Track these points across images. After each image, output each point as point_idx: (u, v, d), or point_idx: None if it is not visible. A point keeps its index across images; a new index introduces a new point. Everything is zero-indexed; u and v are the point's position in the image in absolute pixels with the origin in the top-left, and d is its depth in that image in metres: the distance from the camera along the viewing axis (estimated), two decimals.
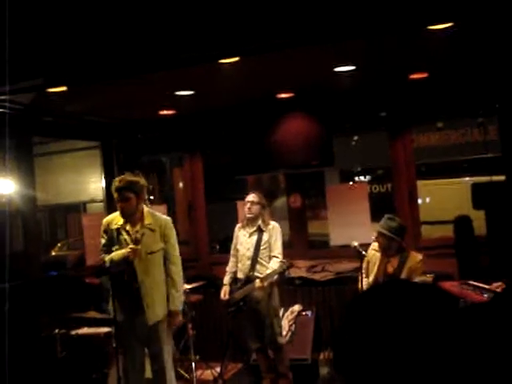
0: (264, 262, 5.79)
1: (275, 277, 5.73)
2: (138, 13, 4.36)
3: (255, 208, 5.83)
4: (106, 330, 5.59)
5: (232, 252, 6.11)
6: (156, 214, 4.99)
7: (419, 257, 5.25)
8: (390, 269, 5.24)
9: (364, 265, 5.36)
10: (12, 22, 4.52)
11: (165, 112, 6.89)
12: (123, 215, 4.81)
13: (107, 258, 4.82)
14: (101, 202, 8.59)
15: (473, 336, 1.20)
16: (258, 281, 5.64)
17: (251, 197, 5.87)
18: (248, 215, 5.87)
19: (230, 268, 6.09)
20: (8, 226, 5.81)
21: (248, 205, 5.85)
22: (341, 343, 1.22)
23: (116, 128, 7.51)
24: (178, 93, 5.95)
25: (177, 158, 9.45)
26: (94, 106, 6.44)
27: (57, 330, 5.61)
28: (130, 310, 4.81)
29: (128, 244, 4.77)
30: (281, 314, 6.54)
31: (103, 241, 4.92)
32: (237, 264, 6.00)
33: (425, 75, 6.08)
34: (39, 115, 6.42)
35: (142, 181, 4.87)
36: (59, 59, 4.74)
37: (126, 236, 4.82)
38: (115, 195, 4.77)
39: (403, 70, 5.94)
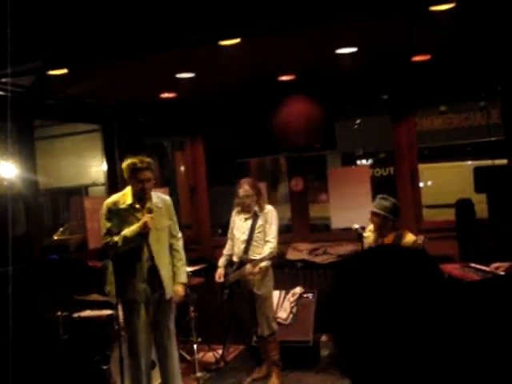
0: (259, 246, 5.79)
1: (263, 264, 5.68)
2: None
3: (250, 199, 5.82)
4: (108, 312, 5.62)
5: (229, 235, 6.13)
6: (158, 194, 5.19)
7: (414, 237, 5.33)
8: None
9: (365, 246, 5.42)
10: (12, 4, 4.50)
11: (166, 95, 6.86)
12: (143, 195, 4.91)
13: (117, 237, 4.83)
14: (102, 185, 8.61)
15: (467, 310, 1.21)
16: (248, 265, 5.65)
17: (247, 191, 5.82)
18: (246, 208, 5.86)
19: (226, 251, 6.13)
20: (10, 210, 5.82)
21: (248, 200, 5.81)
22: (331, 305, 1.23)
23: (117, 111, 7.49)
24: (178, 75, 5.92)
25: (178, 142, 9.42)
26: (95, 89, 6.41)
27: (59, 313, 5.65)
28: (141, 287, 4.90)
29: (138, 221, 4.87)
30: (282, 296, 6.57)
31: (108, 224, 4.92)
32: (233, 247, 6.01)
33: (428, 57, 6.04)
34: (40, 98, 6.40)
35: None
36: (60, 41, 4.72)
37: (137, 214, 4.90)
38: (137, 175, 4.84)
39: (406, 52, 5.90)
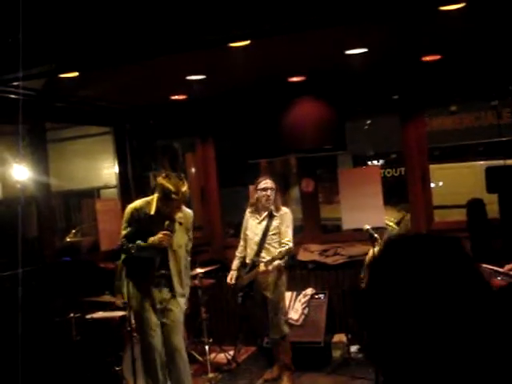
0: (272, 248, 5.77)
1: (277, 262, 5.66)
2: None
3: (273, 194, 5.80)
4: (120, 313, 5.65)
5: (242, 236, 6.12)
6: (183, 207, 5.17)
7: None
8: None
9: None
10: (24, 7, 4.53)
11: (176, 97, 6.89)
12: (167, 218, 4.92)
13: (132, 244, 4.87)
14: (114, 187, 8.65)
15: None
16: (261, 265, 5.63)
17: (268, 183, 5.81)
18: (266, 204, 5.81)
19: (239, 252, 6.11)
20: (23, 212, 5.86)
21: (268, 192, 5.78)
22: (365, 299, 1.23)
23: (128, 113, 7.53)
24: (189, 77, 5.95)
25: (189, 143, 9.45)
26: (106, 92, 6.46)
27: (72, 314, 5.67)
28: (154, 296, 4.97)
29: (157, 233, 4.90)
30: (294, 297, 6.58)
31: (128, 228, 4.97)
32: (245, 249, 6.00)
33: (438, 57, 6.02)
34: (52, 101, 6.45)
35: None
36: (71, 44, 4.75)
37: (158, 225, 4.91)
38: (169, 203, 4.86)
39: (416, 52, 5.89)
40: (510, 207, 5.93)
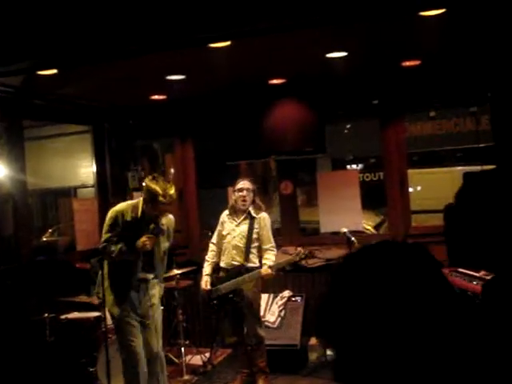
0: (253, 253, 5.70)
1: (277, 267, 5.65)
2: None
3: (250, 196, 5.67)
4: (95, 314, 5.60)
5: (215, 240, 5.91)
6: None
7: None
8: None
9: None
10: (1, 2, 4.49)
11: (156, 97, 6.86)
12: (155, 219, 4.87)
13: (114, 247, 4.81)
14: (92, 187, 8.58)
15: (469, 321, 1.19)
16: (266, 267, 5.51)
17: (245, 184, 5.67)
18: (242, 205, 5.67)
19: (210, 257, 5.89)
20: None
21: (244, 192, 5.63)
22: (327, 306, 1.20)
23: (107, 112, 7.47)
24: (169, 77, 5.92)
25: (168, 144, 9.42)
26: (85, 90, 6.41)
27: (46, 314, 5.61)
28: (133, 300, 4.91)
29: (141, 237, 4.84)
30: (271, 299, 6.57)
31: (110, 232, 4.87)
32: (219, 253, 5.83)
33: (417, 63, 6.07)
34: (30, 98, 6.38)
35: None
36: (49, 41, 4.70)
37: (142, 229, 4.85)
38: (158, 207, 4.77)
39: (395, 57, 5.92)
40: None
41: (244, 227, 5.68)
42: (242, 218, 5.72)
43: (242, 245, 5.67)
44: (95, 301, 5.59)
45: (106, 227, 4.94)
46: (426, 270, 1.17)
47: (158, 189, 4.71)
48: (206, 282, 5.76)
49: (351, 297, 1.14)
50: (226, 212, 5.88)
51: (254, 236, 5.65)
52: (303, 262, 6.28)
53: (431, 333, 1.10)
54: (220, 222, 5.93)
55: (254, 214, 5.69)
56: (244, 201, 5.66)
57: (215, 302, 5.70)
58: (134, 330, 4.89)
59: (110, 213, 4.96)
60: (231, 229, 5.75)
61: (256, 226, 5.65)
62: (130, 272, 4.89)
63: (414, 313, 1.10)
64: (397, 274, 1.14)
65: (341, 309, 1.15)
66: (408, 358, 1.10)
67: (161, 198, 4.71)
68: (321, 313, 1.20)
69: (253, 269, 5.61)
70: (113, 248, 4.80)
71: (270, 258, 5.61)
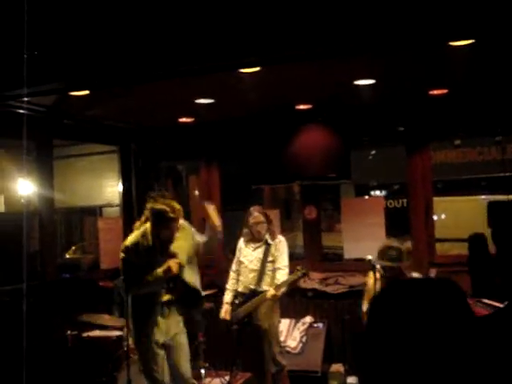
0: (269, 276, 5.73)
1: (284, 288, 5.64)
2: (161, 19, 4.41)
3: (264, 226, 5.79)
4: (117, 333, 5.62)
5: (234, 267, 5.98)
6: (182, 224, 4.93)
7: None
8: None
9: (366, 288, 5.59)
10: (36, 24, 4.59)
11: (184, 119, 6.94)
12: (168, 242, 4.70)
13: (139, 288, 4.65)
14: (117, 206, 8.65)
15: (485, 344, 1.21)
16: (271, 289, 5.57)
17: (257, 217, 5.78)
18: (258, 236, 5.80)
19: (230, 286, 5.96)
20: (26, 227, 5.87)
21: (257, 227, 5.76)
22: (364, 342, 1.23)
23: (135, 133, 7.57)
24: (197, 101, 5.99)
25: (193, 166, 9.49)
26: (114, 111, 6.51)
27: (69, 332, 5.65)
28: (160, 326, 4.80)
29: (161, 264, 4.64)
30: (292, 324, 6.54)
31: (126, 269, 4.67)
32: (238, 281, 5.89)
33: (445, 91, 6.08)
34: (60, 118, 6.49)
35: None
36: (81, 63, 4.80)
37: (160, 257, 4.68)
38: (166, 225, 4.60)
39: (423, 86, 5.94)
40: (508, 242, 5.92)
41: (260, 251, 5.79)
42: (258, 244, 5.83)
43: (257, 268, 5.76)
44: (116, 322, 5.61)
45: (121, 265, 4.72)
46: (454, 307, 1.19)
47: (163, 207, 4.56)
48: (225, 312, 5.87)
49: (384, 330, 1.17)
50: (242, 239, 5.98)
51: (270, 259, 5.75)
52: (302, 282, 6.42)
53: (453, 365, 1.12)
54: (238, 249, 6.02)
55: (270, 241, 5.79)
56: (259, 234, 5.80)
57: (236, 327, 5.75)
58: (158, 358, 4.78)
59: (122, 249, 4.73)
60: (248, 254, 5.85)
61: (272, 250, 5.76)
62: (152, 298, 4.75)
63: (442, 351, 1.12)
64: (426, 310, 1.16)
65: (373, 342, 1.18)
66: None
67: (171, 215, 4.56)
68: (358, 342, 1.24)
69: (254, 292, 5.69)
70: (136, 287, 4.65)
71: (279, 278, 5.66)
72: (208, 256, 7.64)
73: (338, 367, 6.50)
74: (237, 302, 5.83)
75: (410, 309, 1.17)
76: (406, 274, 5.36)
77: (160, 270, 4.58)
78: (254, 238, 5.85)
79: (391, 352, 1.15)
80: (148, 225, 4.73)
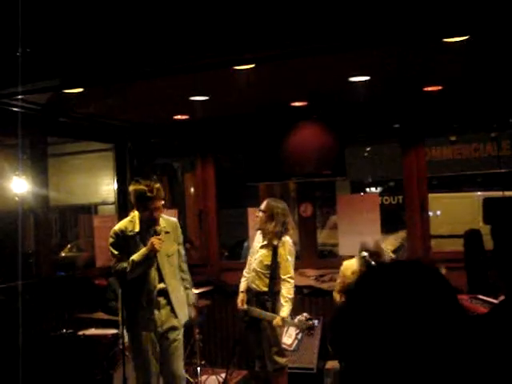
0: (264, 278, 5.67)
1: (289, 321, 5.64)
2: (154, 16, 4.40)
3: (264, 217, 5.65)
4: (113, 331, 5.61)
5: (249, 258, 5.97)
6: (166, 217, 5.08)
7: None
8: None
9: (339, 280, 5.68)
10: (29, 22, 4.57)
11: (179, 116, 6.93)
12: (153, 223, 4.82)
13: (126, 263, 4.75)
14: (112, 204, 8.63)
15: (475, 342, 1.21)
16: (278, 319, 5.52)
17: (262, 206, 5.71)
18: (256, 225, 5.79)
19: (246, 272, 5.94)
20: (20, 225, 5.86)
21: (259, 213, 5.70)
22: (341, 321, 1.23)
23: (130, 131, 7.56)
24: (192, 98, 5.99)
25: (188, 163, 9.49)
26: (108, 109, 6.49)
27: (64, 330, 5.64)
28: (152, 317, 4.84)
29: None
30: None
31: (116, 251, 4.82)
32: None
33: (439, 88, 6.08)
34: (55, 116, 6.47)
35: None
36: (76, 60, 4.78)
37: (146, 241, 4.79)
38: (146, 204, 4.74)
39: (418, 82, 5.95)
40: (504, 239, 5.92)
41: (263, 252, 5.69)
42: (265, 242, 5.72)
43: (259, 269, 5.70)
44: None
45: (111, 250, 4.87)
46: (437, 291, 1.19)
47: (142, 187, 4.72)
48: (241, 300, 5.83)
49: (363, 313, 1.17)
50: (259, 232, 5.90)
51: (276, 264, 5.62)
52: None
53: (435, 353, 1.12)
54: (255, 238, 5.97)
55: (274, 242, 5.65)
56: (259, 222, 5.73)
57: (247, 318, 5.77)
58: (149, 355, 4.84)
59: (110, 234, 4.90)
60: (256, 250, 5.79)
61: (276, 253, 5.62)
62: (145, 286, 4.82)
63: (421, 332, 1.12)
64: (407, 294, 1.16)
65: (353, 324, 1.18)
66: (410, 377, 1.11)
67: (148, 194, 4.69)
68: (335, 326, 1.25)
69: (264, 298, 5.64)
70: (124, 265, 4.74)
71: (283, 294, 5.58)
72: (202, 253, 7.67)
73: (333, 364, 6.50)
74: (251, 298, 5.79)
75: (394, 292, 1.17)
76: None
77: (144, 249, 4.73)
78: (262, 233, 5.78)
79: (373, 337, 1.15)
80: (135, 212, 4.89)
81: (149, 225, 4.84)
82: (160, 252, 4.80)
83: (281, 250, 5.60)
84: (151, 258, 4.77)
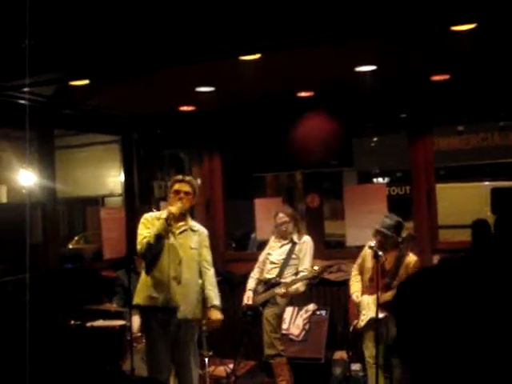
0: (291, 272, 5.75)
1: (296, 286, 5.63)
2: (160, 6, 4.39)
3: (290, 226, 5.82)
4: (121, 322, 5.63)
5: (260, 258, 6.04)
6: (198, 224, 5.19)
7: (415, 258, 5.37)
8: (388, 266, 5.32)
9: (359, 260, 5.67)
10: (35, 14, 4.57)
11: (185, 108, 6.92)
12: (179, 209, 4.85)
13: (146, 238, 4.79)
14: (119, 195, 8.67)
15: None
16: (282, 285, 5.58)
17: (283, 218, 5.81)
18: (284, 235, 5.84)
19: (254, 274, 6.02)
20: (28, 218, 5.87)
21: (283, 227, 5.81)
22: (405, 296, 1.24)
23: (136, 122, 7.55)
24: (198, 89, 5.97)
25: (195, 154, 9.49)
26: (114, 101, 6.49)
27: (72, 322, 5.66)
28: (162, 304, 4.86)
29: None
30: (295, 312, 6.55)
31: (144, 231, 4.88)
32: (263, 270, 5.94)
33: (447, 77, 6.04)
34: (61, 108, 6.48)
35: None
36: (81, 52, 4.78)
37: (171, 228, 4.88)
38: (176, 186, 4.90)
39: (425, 71, 5.91)
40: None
41: (285, 249, 5.83)
42: (285, 242, 5.86)
43: (279, 261, 5.80)
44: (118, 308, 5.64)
45: (139, 231, 4.94)
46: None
47: (179, 176, 4.99)
48: (248, 298, 5.90)
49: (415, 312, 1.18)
50: (273, 236, 6.02)
51: (293, 257, 5.78)
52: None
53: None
54: (269, 242, 6.08)
55: (296, 240, 5.82)
56: (286, 233, 5.83)
57: (250, 313, 5.82)
58: (158, 340, 4.87)
59: (142, 219, 5.01)
60: (275, 249, 5.91)
61: (296, 249, 5.79)
62: (162, 274, 4.86)
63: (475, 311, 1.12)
64: (456, 293, 1.16)
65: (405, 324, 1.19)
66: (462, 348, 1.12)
67: (180, 177, 4.94)
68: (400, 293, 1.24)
69: (276, 280, 5.71)
70: (146, 239, 4.79)
71: (295, 278, 5.65)
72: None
73: (341, 354, 6.51)
74: (260, 289, 5.86)
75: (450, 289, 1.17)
76: (403, 250, 5.37)
77: (158, 223, 4.82)
78: (281, 236, 5.89)
79: (425, 316, 1.15)
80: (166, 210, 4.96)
81: (178, 219, 4.91)
82: (183, 243, 4.89)
83: (302, 247, 5.79)
84: (167, 229, 4.82)
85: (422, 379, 1.21)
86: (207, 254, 5.15)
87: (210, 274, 5.14)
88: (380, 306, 5.04)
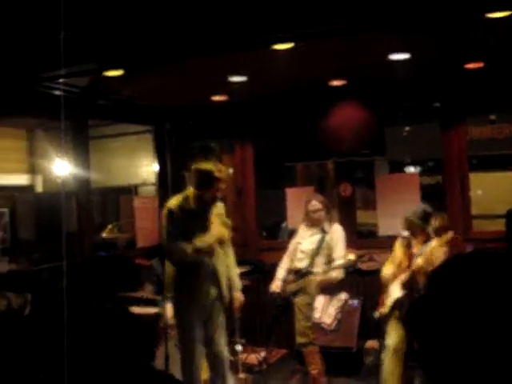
0: (321, 262, 5.76)
1: (333, 275, 5.67)
2: None
3: (322, 214, 5.79)
4: (155, 310, 5.70)
5: (290, 247, 6.03)
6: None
7: (439, 246, 5.26)
8: (415, 251, 5.23)
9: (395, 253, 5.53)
10: (70, 5, 4.63)
11: (217, 98, 6.95)
12: (211, 202, 4.78)
13: (189, 248, 4.65)
14: (152, 185, 8.74)
15: None
16: (319, 273, 5.61)
17: (317, 205, 5.79)
18: (316, 223, 5.81)
19: (284, 264, 6.02)
20: (64, 207, 5.97)
21: (316, 214, 5.78)
22: (422, 306, 1.23)
23: (168, 112, 7.61)
24: (231, 78, 5.99)
25: (227, 144, 9.51)
26: (147, 91, 6.55)
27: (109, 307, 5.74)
28: (202, 291, 4.87)
29: (204, 229, 4.77)
30: (327, 301, 6.56)
31: (170, 227, 4.75)
32: (292, 260, 5.94)
33: (481, 65, 5.97)
34: (95, 98, 6.56)
35: None
36: (115, 43, 4.83)
37: (202, 219, 4.77)
38: (214, 184, 4.69)
39: (459, 59, 5.85)
40: None
41: (317, 237, 5.80)
42: (316, 230, 5.83)
43: (309, 251, 5.77)
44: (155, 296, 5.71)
45: (164, 225, 4.82)
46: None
47: (209, 167, 4.66)
48: (276, 286, 5.92)
49: (447, 298, 1.18)
50: (302, 225, 5.99)
51: (324, 246, 5.75)
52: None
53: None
54: (297, 231, 6.06)
55: (326, 229, 5.78)
56: (319, 220, 5.80)
57: (281, 303, 5.83)
58: (196, 338, 4.88)
59: (164, 211, 4.86)
60: (306, 238, 5.89)
61: (327, 238, 5.76)
62: (198, 273, 4.83)
63: (503, 323, 1.12)
64: (488, 284, 1.16)
65: (433, 311, 1.18)
66: (489, 360, 1.11)
67: (216, 174, 4.64)
68: (415, 310, 1.24)
69: (307, 270, 5.71)
70: (188, 250, 4.65)
71: (339, 264, 5.68)
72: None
73: (372, 343, 6.51)
74: (291, 278, 5.86)
75: (472, 284, 1.16)
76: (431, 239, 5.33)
77: (205, 241, 4.67)
78: (312, 225, 5.86)
79: (448, 327, 1.15)
80: (191, 189, 4.79)
81: (207, 204, 4.77)
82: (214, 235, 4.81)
83: (334, 236, 5.76)
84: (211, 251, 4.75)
85: None
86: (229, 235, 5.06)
87: (232, 253, 5.16)
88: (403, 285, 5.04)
